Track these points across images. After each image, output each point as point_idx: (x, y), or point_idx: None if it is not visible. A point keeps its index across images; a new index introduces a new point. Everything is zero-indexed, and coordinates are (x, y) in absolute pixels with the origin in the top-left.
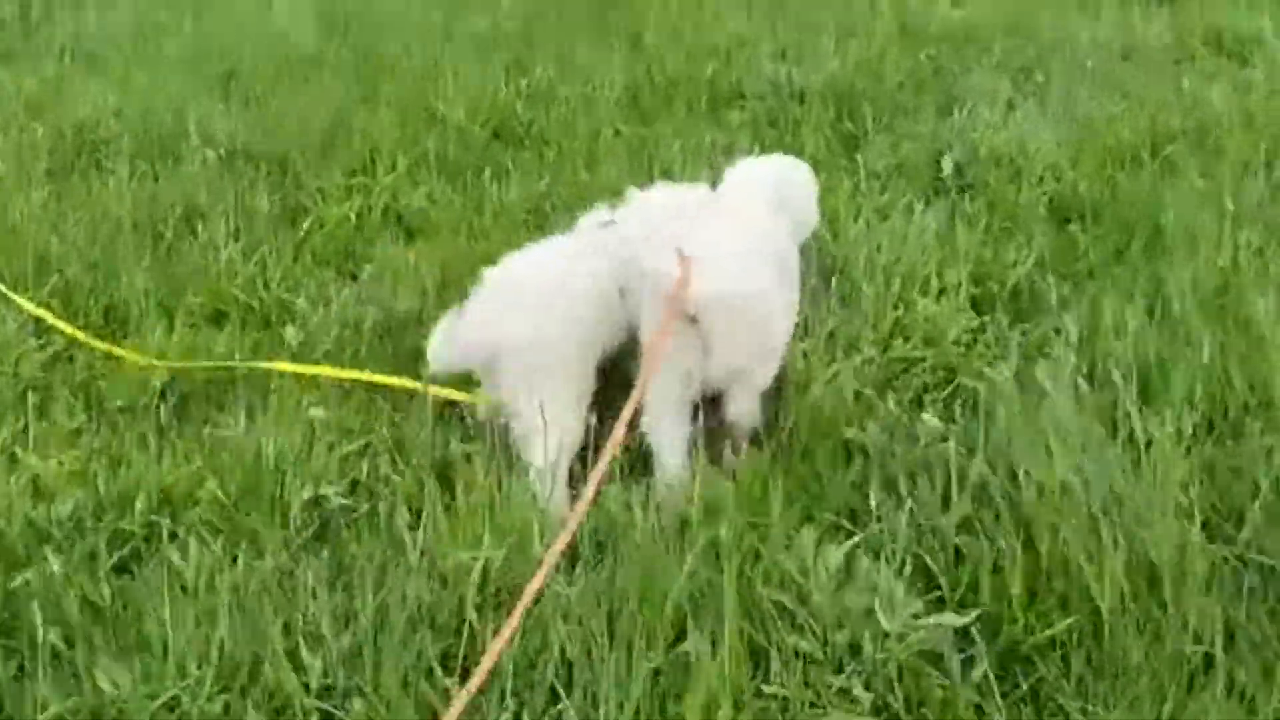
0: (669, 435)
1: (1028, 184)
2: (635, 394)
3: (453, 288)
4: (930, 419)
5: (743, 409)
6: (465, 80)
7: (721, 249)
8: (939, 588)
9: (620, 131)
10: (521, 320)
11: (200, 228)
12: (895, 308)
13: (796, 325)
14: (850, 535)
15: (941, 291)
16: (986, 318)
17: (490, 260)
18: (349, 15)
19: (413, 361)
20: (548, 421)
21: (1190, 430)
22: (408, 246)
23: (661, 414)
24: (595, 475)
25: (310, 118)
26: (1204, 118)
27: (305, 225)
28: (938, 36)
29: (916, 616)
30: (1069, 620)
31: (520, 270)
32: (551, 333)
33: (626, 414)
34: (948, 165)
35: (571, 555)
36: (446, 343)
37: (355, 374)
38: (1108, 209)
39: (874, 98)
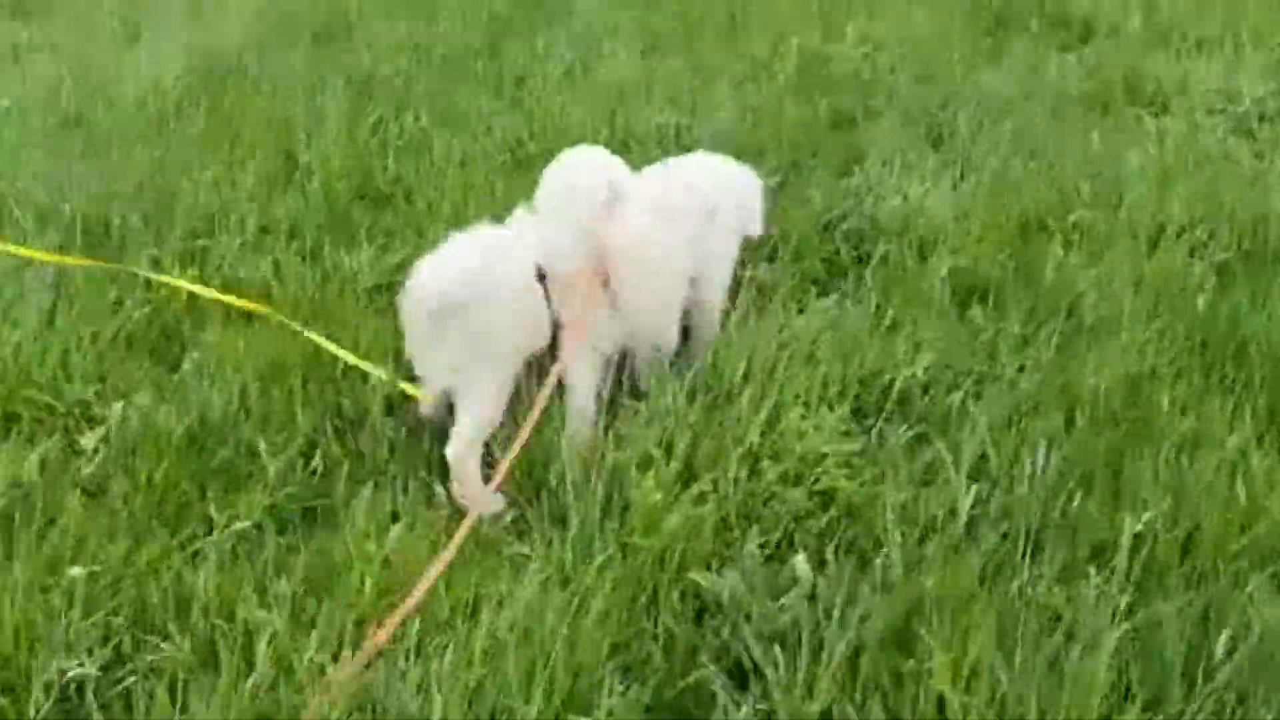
0: (581, 380)
1: (927, 257)
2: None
3: (278, 385)
4: (800, 565)
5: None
6: (334, 130)
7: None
8: None
9: (495, 190)
10: (495, 287)
11: None
12: (768, 423)
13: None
14: None
15: (823, 399)
16: (874, 428)
17: (318, 354)
18: (219, 56)
19: (220, 486)
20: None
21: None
22: (243, 329)
23: (577, 360)
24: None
25: (156, 173)
26: (1118, 177)
27: (126, 303)
28: (840, 82)
29: None
30: None
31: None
32: (509, 310)
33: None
34: (841, 238)
35: None
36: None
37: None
38: (1013, 288)
39: (768, 151)
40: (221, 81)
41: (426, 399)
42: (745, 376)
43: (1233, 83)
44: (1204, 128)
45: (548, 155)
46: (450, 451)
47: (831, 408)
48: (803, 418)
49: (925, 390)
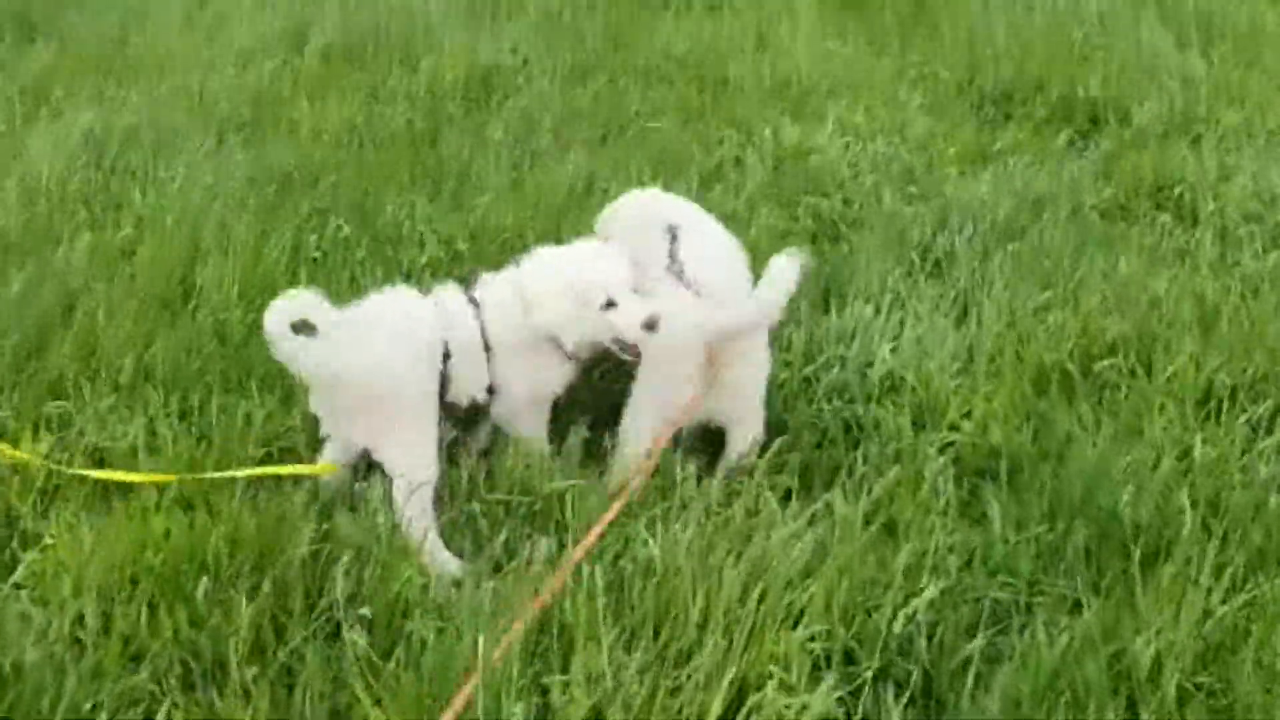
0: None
1: (926, 425)
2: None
3: (133, 606)
4: None
5: None
6: (238, 243)
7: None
8: None
9: None
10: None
11: None
12: (734, 684)
13: None
14: None
15: (806, 650)
16: (865, 687)
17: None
18: (120, 148)
19: None
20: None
21: None
22: (101, 514)
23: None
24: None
25: (21, 309)
26: (1148, 314)
27: None
28: (819, 181)
29: None
30: None
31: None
32: (394, 370)
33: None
34: (824, 396)
35: None
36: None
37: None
38: (1031, 465)
39: None
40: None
41: (332, 469)
42: (703, 624)
43: (1264, 181)
44: (1240, 240)
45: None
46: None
47: (819, 667)
48: (783, 689)
49: (930, 632)
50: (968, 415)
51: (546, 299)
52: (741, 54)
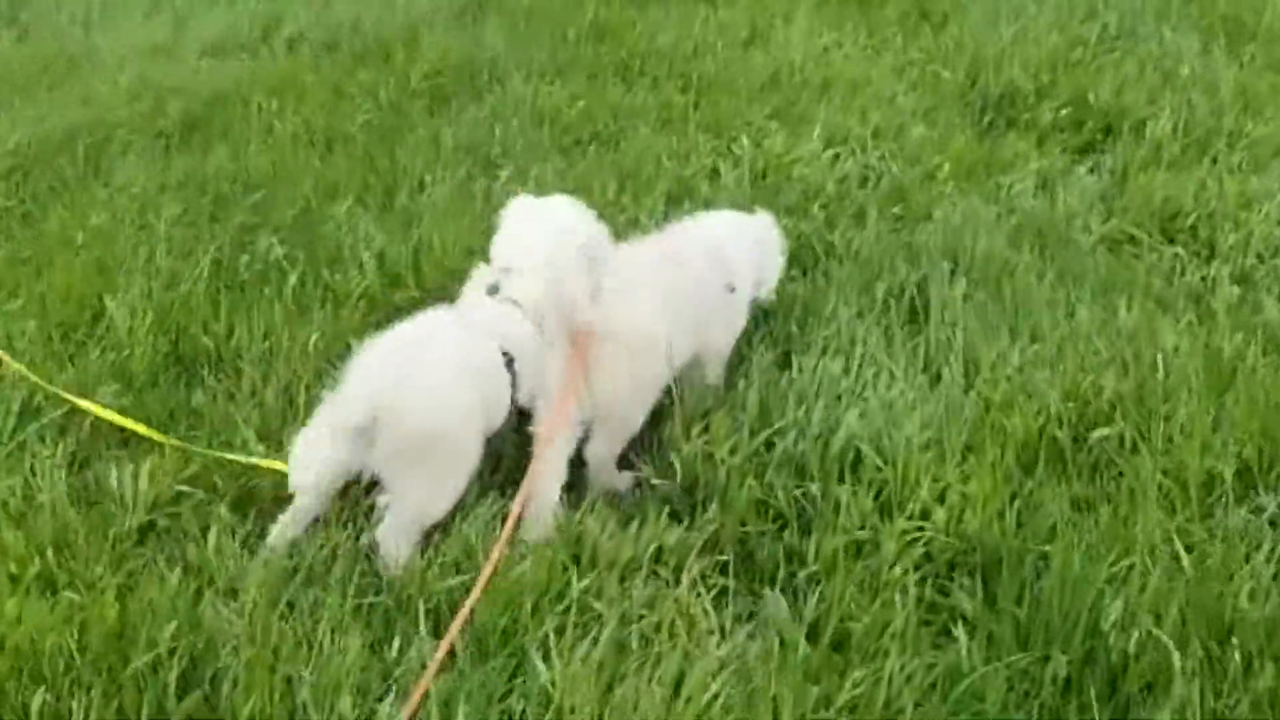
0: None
1: (892, 512)
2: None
3: None
4: None
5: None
6: (155, 261)
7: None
8: None
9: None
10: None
11: None
12: None
13: None
14: None
15: None
16: None
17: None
18: (55, 152)
19: None
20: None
21: None
22: None
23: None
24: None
25: None
26: (1151, 374)
27: None
28: (800, 198)
29: None
30: None
31: (412, 336)
32: (448, 407)
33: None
34: (775, 469)
35: None
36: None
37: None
38: (1012, 566)
39: None
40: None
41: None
42: None
43: None
44: (1261, 284)
45: (429, 299)
46: (380, 533)
47: None
48: None
49: None
50: (941, 498)
51: None
52: (731, 48)
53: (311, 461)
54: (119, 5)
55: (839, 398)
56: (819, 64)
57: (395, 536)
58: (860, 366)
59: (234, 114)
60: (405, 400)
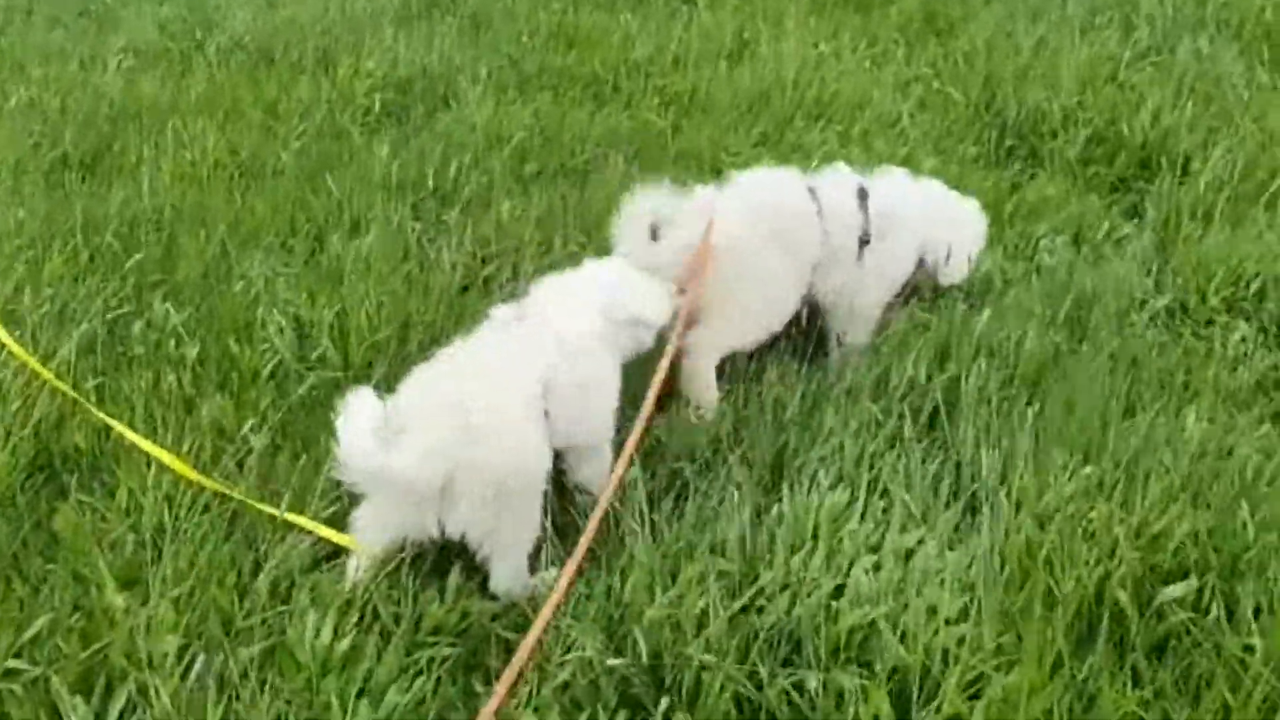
0: None
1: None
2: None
3: None
4: None
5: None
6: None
7: None
8: None
9: (250, 446)
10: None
11: None
12: None
13: None
14: None
15: None
16: None
17: None
18: None
19: None
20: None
21: None
22: None
23: None
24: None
25: None
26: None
27: None
28: None
29: None
30: None
31: (460, 383)
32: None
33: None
34: (759, 652)
35: None
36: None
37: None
38: None
39: None
40: None
41: (367, 552)
42: None
43: None
44: None
45: (352, 380)
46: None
47: None
48: None
49: None
50: (973, 689)
51: None
52: (715, 60)
53: (377, 531)
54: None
55: (841, 541)
56: (813, 79)
57: (511, 581)
58: (869, 497)
59: (148, 138)
60: (482, 452)
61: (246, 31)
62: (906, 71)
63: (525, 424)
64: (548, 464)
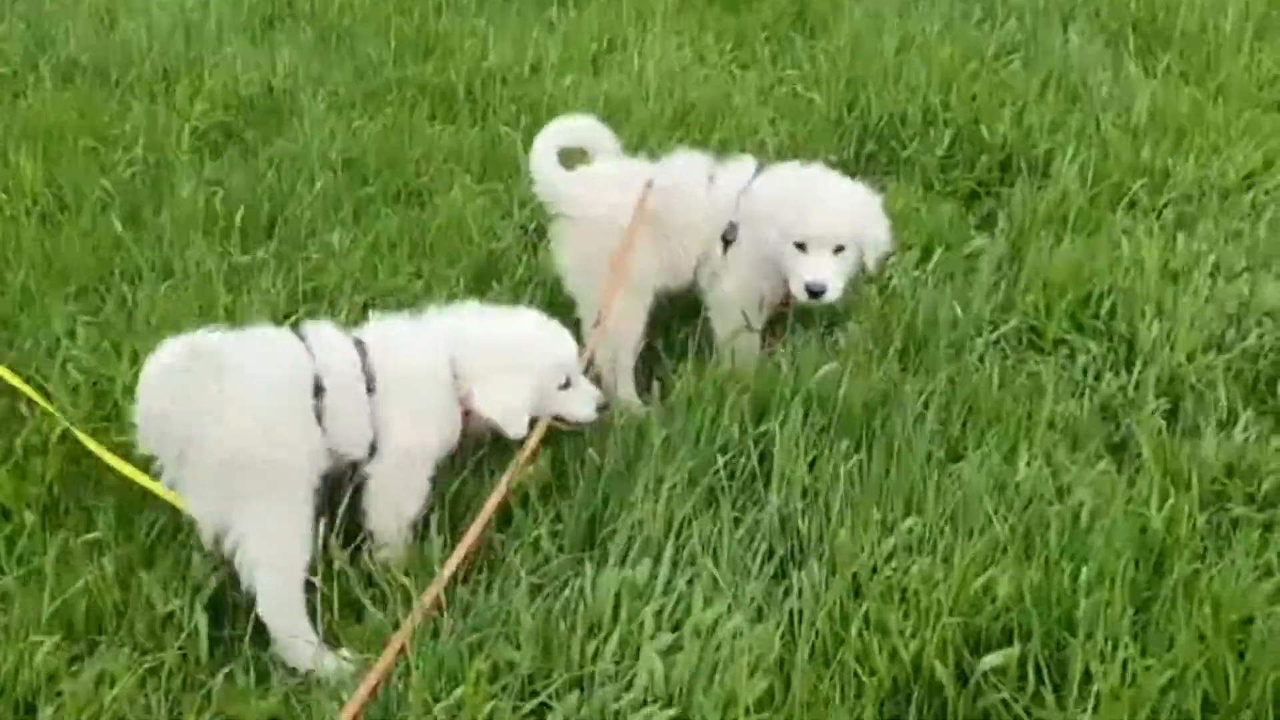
0: None
1: None
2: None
3: None
4: None
5: None
6: None
7: None
8: None
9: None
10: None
11: None
12: None
13: None
14: None
15: None
16: None
17: None
18: None
19: None
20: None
21: None
22: None
23: None
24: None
25: None
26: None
27: None
28: None
29: None
30: None
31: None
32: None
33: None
34: None
35: None
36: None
37: None
38: None
39: None
40: None
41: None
42: None
43: (1231, 279)
44: (1191, 392)
45: None
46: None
47: None
48: None
49: None
50: None
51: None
52: (576, 66)
53: None
54: None
55: (640, 626)
56: (674, 88)
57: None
58: (675, 570)
59: None
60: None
61: (84, 50)
62: (771, 74)
63: (272, 410)
64: (305, 461)
